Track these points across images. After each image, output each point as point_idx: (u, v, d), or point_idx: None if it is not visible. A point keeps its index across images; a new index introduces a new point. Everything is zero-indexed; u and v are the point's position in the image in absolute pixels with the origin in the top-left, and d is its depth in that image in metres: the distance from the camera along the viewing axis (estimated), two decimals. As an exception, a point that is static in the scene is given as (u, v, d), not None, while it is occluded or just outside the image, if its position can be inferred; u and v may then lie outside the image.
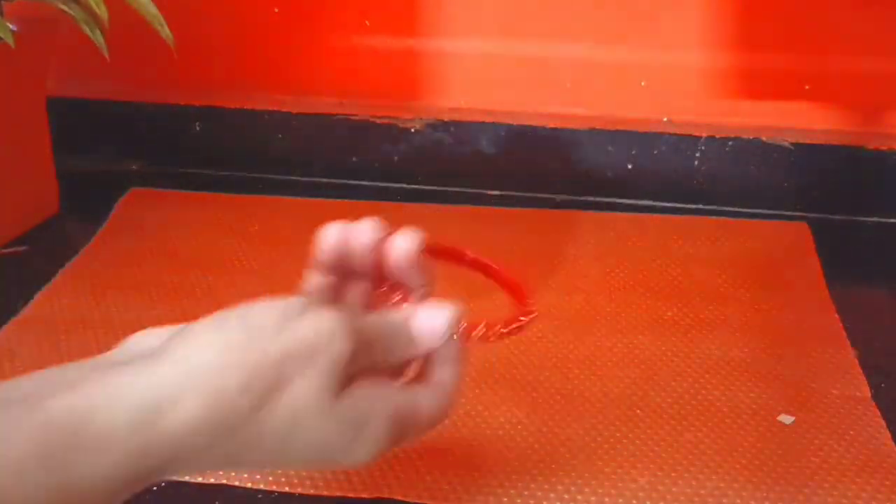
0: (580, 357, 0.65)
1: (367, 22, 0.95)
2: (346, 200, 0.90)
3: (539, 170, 0.94)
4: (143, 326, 0.68)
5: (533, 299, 0.47)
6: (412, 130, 0.95)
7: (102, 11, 0.76)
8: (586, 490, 0.53)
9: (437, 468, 0.54)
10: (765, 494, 0.52)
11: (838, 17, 0.89)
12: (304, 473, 0.54)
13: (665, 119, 0.94)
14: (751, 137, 0.91)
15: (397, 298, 0.46)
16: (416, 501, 0.52)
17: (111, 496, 0.34)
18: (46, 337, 0.67)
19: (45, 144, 0.86)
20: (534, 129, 0.94)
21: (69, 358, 0.64)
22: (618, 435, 0.57)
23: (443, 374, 0.44)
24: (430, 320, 0.43)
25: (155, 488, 0.53)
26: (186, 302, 0.71)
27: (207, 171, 0.98)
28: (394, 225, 0.45)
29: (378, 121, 0.95)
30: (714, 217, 0.89)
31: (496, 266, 0.48)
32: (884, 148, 0.90)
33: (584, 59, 0.93)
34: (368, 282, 0.46)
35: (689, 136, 0.92)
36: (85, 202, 0.88)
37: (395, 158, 0.96)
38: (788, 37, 0.90)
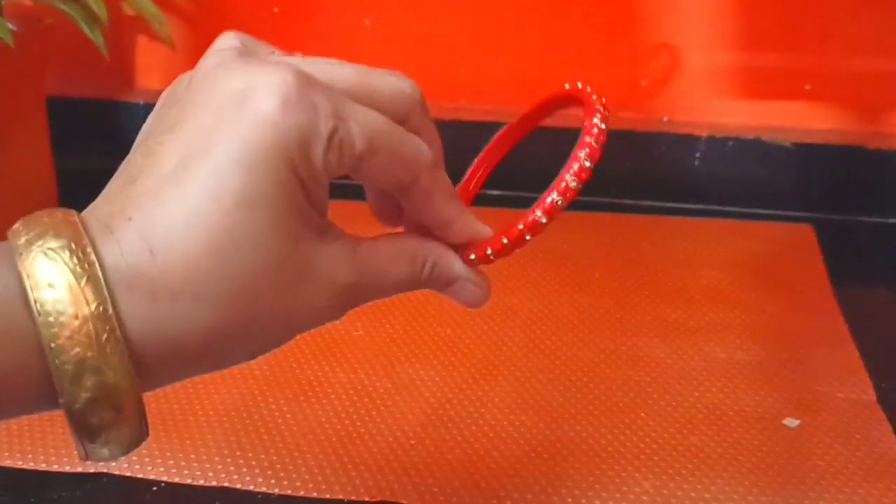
0: (584, 359, 0.65)
1: (366, 21, 0.94)
2: (346, 201, 0.90)
3: (539, 170, 0.94)
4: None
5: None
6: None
7: (102, 11, 0.75)
8: (590, 494, 0.52)
9: (438, 471, 0.54)
10: (770, 498, 0.52)
11: (839, 17, 0.89)
12: (307, 476, 0.53)
13: (665, 119, 0.93)
14: (751, 137, 0.91)
15: None
16: (419, 505, 0.52)
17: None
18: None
19: (44, 144, 0.85)
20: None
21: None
22: (622, 438, 0.57)
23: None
24: (468, 290, 0.40)
25: (154, 488, 0.53)
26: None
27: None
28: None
29: (378, 120, 0.94)
30: (714, 217, 0.89)
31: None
32: (885, 148, 0.90)
33: (584, 59, 0.93)
34: None
35: (689, 136, 0.92)
36: (84, 202, 0.87)
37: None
38: (789, 36, 0.90)
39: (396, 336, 0.67)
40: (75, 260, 0.30)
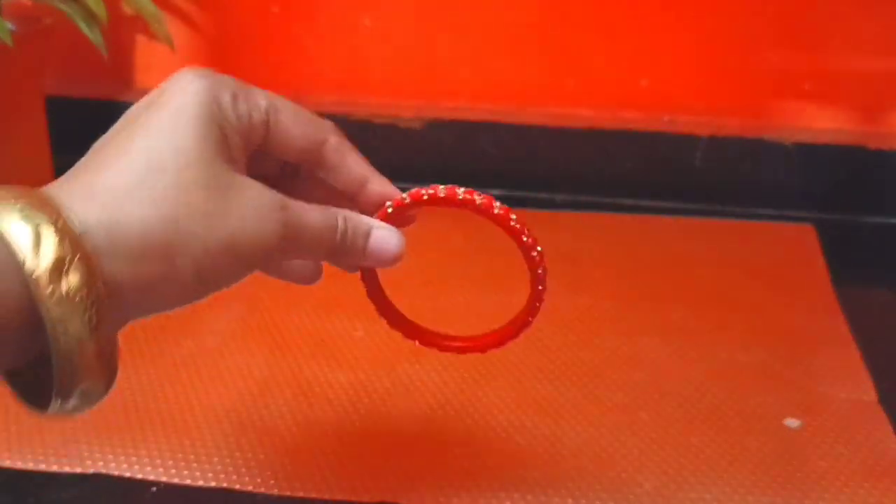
0: (584, 360, 0.65)
1: (366, 21, 0.94)
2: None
3: (539, 170, 0.94)
4: (148, 324, 0.68)
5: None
6: (412, 130, 0.94)
7: (100, 10, 0.75)
8: (590, 495, 0.52)
9: (438, 472, 0.54)
10: (771, 499, 0.52)
11: (839, 16, 0.89)
12: (305, 476, 0.53)
13: (665, 119, 0.93)
14: (751, 137, 0.91)
15: None
16: (419, 506, 0.52)
17: None
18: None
19: (43, 144, 0.85)
20: (534, 129, 0.93)
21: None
22: (622, 439, 0.57)
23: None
24: (387, 239, 0.43)
25: (154, 489, 0.53)
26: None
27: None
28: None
29: (378, 120, 0.94)
30: (714, 217, 0.89)
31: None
32: (885, 148, 0.90)
33: (584, 59, 0.93)
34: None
35: (690, 135, 0.92)
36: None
37: (395, 158, 0.95)
38: (789, 36, 0.90)
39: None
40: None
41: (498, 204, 0.45)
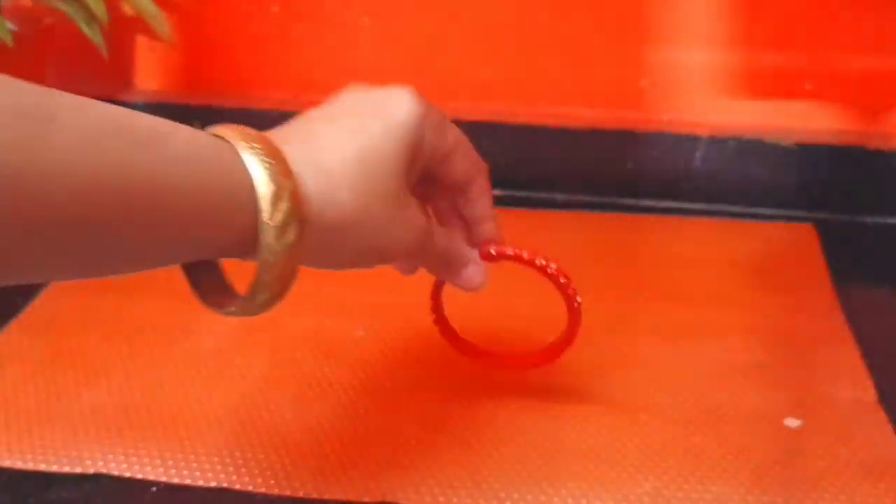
0: (584, 360, 0.65)
1: (366, 21, 0.94)
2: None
3: (539, 170, 0.94)
4: (148, 324, 0.69)
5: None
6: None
7: (101, 10, 0.75)
8: (590, 495, 0.52)
9: (438, 472, 0.54)
10: (771, 499, 0.52)
11: (840, 16, 0.89)
12: (305, 476, 0.53)
13: (665, 119, 0.93)
14: (752, 137, 0.91)
15: None
16: (419, 506, 0.52)
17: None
18: (48, 337, 0.67)
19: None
20: (534, 128, 0.93)
21: (71, 358, 0.64)
22: (622, 439, 0.57)
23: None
24: (477, 275, 0.53)
25: (154, 489, 0.53)
26: (194, 299, 0.70)
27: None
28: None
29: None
30: (714, 217, 0.89)
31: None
32: (885, 148, 0.90)
33: (584, 59, 0.93)
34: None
35: (690, 135, 0.92)
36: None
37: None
38: (789, 36, 0.90)
39: (396, 336, 0.67)
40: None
41: (573, 287, 0.56)
